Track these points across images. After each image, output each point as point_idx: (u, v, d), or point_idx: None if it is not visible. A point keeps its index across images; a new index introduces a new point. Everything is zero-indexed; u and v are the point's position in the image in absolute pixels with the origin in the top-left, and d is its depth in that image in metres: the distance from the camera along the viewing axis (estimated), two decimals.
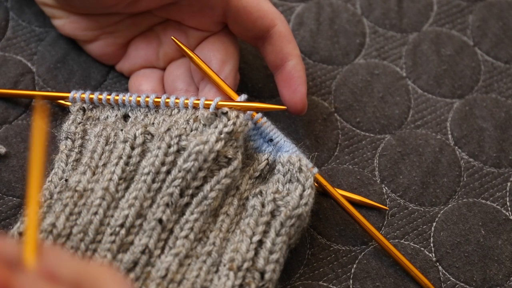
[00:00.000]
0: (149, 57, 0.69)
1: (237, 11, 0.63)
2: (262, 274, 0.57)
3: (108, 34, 0.68)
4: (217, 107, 0.62)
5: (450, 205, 0.68)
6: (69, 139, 0.64)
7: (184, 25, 0.68)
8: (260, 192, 0.61)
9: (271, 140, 0.64)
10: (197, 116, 0.62)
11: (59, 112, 0.69)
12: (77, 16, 0.67)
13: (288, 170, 0.62)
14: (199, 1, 0.64)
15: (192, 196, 0.59)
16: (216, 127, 0.60)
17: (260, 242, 0.59)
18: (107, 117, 0.65)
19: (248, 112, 0.63)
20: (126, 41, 0.69)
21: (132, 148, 0.60)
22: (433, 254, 0.66)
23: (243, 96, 0.63)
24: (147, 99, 0.64)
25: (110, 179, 0.59)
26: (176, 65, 0.69)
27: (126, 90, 0.71)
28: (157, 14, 0.67)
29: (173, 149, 0.59)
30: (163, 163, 0.59)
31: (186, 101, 0.63)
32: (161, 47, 0.69)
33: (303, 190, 0.60)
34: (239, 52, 0.69)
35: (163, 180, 0.59)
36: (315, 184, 0.62)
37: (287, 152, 0.63)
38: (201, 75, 0.66)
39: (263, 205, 0.60)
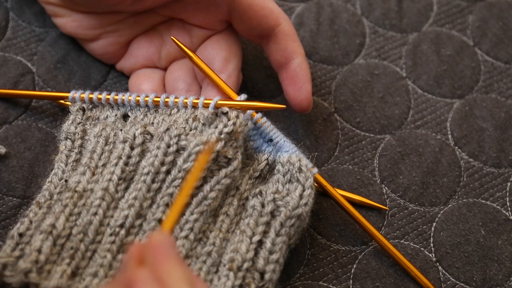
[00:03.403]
0: (151, 56, 0.69)
1: (242, 9, 0.64)
2: (262, 274, 0.57)
3: (110, 33, 0.68)
4: (217, 106, 0.62)
5: (450, 205, 0.68)
6: (68, 140, 0.64)
7: (188, 23, 0.68)
8: (260, 192, 0.61)
9: (271, 140, 0.64)
10: (196, 116, 0.62)
11: (59, 112, 0.69)
12: (79, 15, 0.67)
13: (288, 170, 0.62)
14: None
15: (192, 196, 0.59)
16: (216, 127, 0.60)
17: (260, 242, 0.58)
18: (107, 117, 0.65)
19: (248, 112, 0.63)
20: (128, 40, 0.69)
21: (132, 148, 0.60)
22: (433, 254, 0.66)
23: (243, 96, 0.63)
24: (146, 98, 0.64)
25: (110, 180, 0.59)
26: (178, 65, 0.69)
27: (126, 90, 0.71)
28: (161, 12, 0.67)
29: (173, 149, 0.59)
30: (162, 163, 0.59)
31: (185, 100, 0.63)
32: (163, 47, 0.69)
33: (303, 190, 0.60)
34: (242, 51, 0.69)
35: (163, 180, 0.59)
36: (315, 184, 0.62)
37: (287, 152, 0.63)
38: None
39: (263, 205, 0.60)
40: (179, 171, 0.58)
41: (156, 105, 0.64)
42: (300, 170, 0.61)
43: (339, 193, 0.64)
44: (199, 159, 0.58)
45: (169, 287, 0.46)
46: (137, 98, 0.64)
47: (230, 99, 0.64)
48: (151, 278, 0.47)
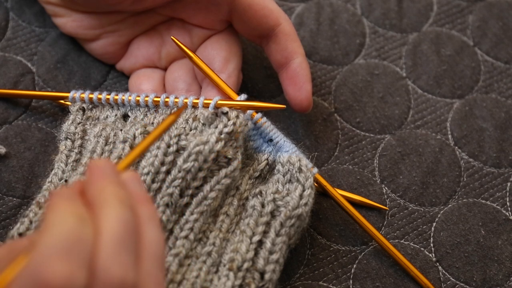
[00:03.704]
0: (151, 56, 0.69)
1: (242, 9, 0.64)
2: (262, 274, 0.57)
3: (110, 33, 0.68)
4: (217, 106, 0.62)
5: (450, 205, 0.68)
6: (68, 140, 0.64)
7: (188, 23, 0.68)
8: (260, 192, 0.61)
9: (271, 140, 0.64)
10: (196, 115, 0.62)
11: (59, 112, 0.69)
12: (79, 14, 0.67)
13: (288, 170, 0.62)
14: None
15: (192, 196, 0.59)
16: (216, 127, 0.60)
17: (260, 243, 0.58)
18: (107, 117, 0.65)
19: (248, 112, 0.63)
20: (128, 40, 0.69)
21: (132, 148, 0.60)
22: (433, 254, 0.66)
23: (243, 96, 0.63)
24: (146, 98, 0.64)
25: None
26: (178, 65, 0.69)
27: (126, 90, 0.71)
28: (161, 12, 0.67)
29: (173, 149, 0.59)
30: (162, 163, 0.59)
31: (185, 100, 0.63)
32: (163, 47, 0.69)
33: (303, 190, 0.60)
34: (242, 51, 0.69)
35: (163, 180, 0.59)
36: (315, 184, 0.62)
37: (287, 152, 0.63)
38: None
39: (263, 205, 0.60)
40: (179, 171, 0.58)
41: (156, 105, 0.64)
42: (300, 170, 0.61)
43: (339, 193, 0.64)
44: (168, 118, 0.55)
45: (98, 206, 0.43)
46: (137, 98, 0.64)
47: (230, 99, 0.64)
48: (70, 194, 0.43)
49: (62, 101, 0.67)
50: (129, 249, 0.42)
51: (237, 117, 0.61)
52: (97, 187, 0.44)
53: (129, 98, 0.64)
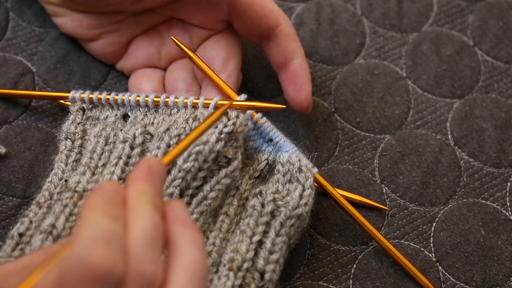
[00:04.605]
0: (151, 56, 0.69)
1: (242, 9, 0.64)
2: (262, 274, 0.57)
3: (110, 33, 0.68)
4: (217, 106, 0.62)
5: (450, 205, 0.68)
6: (68, 140, 0.64)
7: (188, 23, 0.68)
8: (260, 192, 0.61)
9: (271, 140, 0.64)
10: (196, 115, 0.62)
11: (59, 112, 0.69)
12: (79, 14, 0.67)
13: (288, 170, 0.62)
14: None
15: (192, 196, 0.59)
16: (216, 127, 0.60)
17: (260, 242, 0.58)
18: (107, 117, 0.65)
19: (248, 112, 0.63)
20: (128, 40, 0.69)
21: (132, 148, 0.60)
22: (433, 254, 0.66)
23: (243, 96, 0.63)
24: (146, 98, 0.64)
25: (110, 180, 0.59)
26: (178, 65, 0.69)
27: (126, 90, 0.71)
28: (161, 12, 0.67)
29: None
30: None
31: (185, 100, 0.63)
32: (163, 47, 0.69)
33: (303, 190, 0.60)
34: (242, 51, 0.69)
35: None
36: (315, 184, 0.62)
37: (287, 152, 0.63)
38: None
39: (263, 205, 0.60)
40: (179, 171, 0.58)
41: (156, 105, 0.64)
42: (300, 170, 0.61)
43: (339, 193, 0.64)
44: (214, 113, 0.58)
45: (132, 207, 0.45)
46: (137, 98, 0.64)
47: (230, 99, 0.64)
48: (107, 192, 0.45)
49: (62, 101, 0.67)
50: (158, 249, 0.44)
51: (237, 117, 0.61)
52: (134, 188, 0.46)
53: (129, 98, 0.64)
